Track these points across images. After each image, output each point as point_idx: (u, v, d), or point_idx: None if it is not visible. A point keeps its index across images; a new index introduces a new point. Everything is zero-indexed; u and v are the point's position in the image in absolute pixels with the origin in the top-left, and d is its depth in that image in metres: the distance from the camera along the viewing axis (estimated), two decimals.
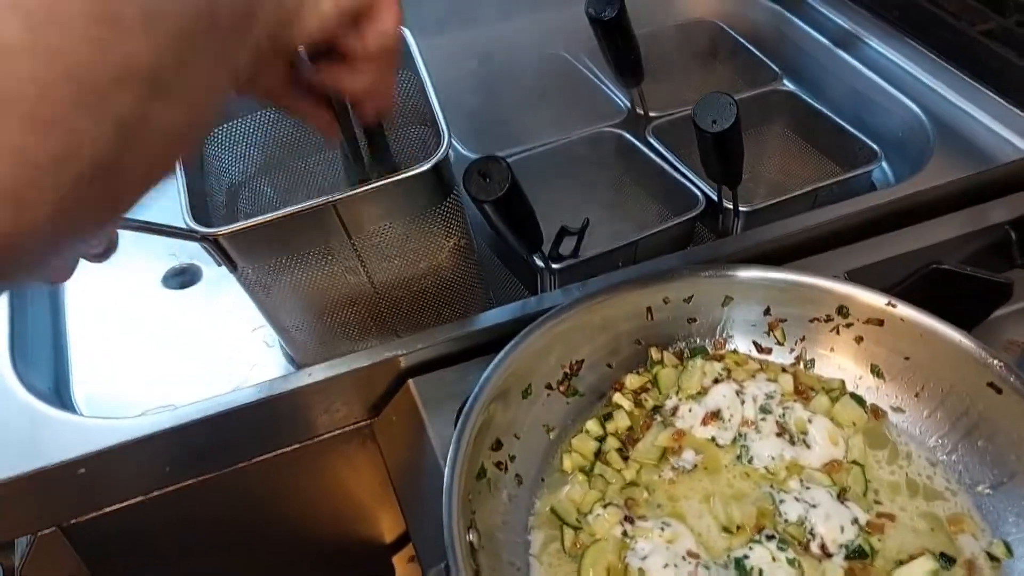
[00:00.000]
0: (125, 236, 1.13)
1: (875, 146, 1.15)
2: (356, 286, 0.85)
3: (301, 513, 1.03)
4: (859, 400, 0.78)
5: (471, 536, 0.64)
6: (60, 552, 0.88)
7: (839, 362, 0.81)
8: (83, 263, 0.59)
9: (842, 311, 0.79)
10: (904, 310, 0.76)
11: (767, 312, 0.82)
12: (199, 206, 0.78)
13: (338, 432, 0.95)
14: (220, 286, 1.08)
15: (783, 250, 1.01)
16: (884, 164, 1.22)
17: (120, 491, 0.87)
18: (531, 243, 0.88)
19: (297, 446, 0.93)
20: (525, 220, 0.84)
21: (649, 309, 0.81)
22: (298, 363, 0.98)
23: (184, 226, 0.73)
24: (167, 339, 1.03)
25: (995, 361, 0.72)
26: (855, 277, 0.96)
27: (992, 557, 0.68)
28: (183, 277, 1.11)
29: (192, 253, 1.13)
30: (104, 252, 0.61)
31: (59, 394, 0.94)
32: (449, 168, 0.77)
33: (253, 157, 0.94)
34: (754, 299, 0.82)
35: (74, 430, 0.83)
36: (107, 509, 0.87)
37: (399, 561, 1.12)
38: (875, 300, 0.78)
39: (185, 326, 1.05)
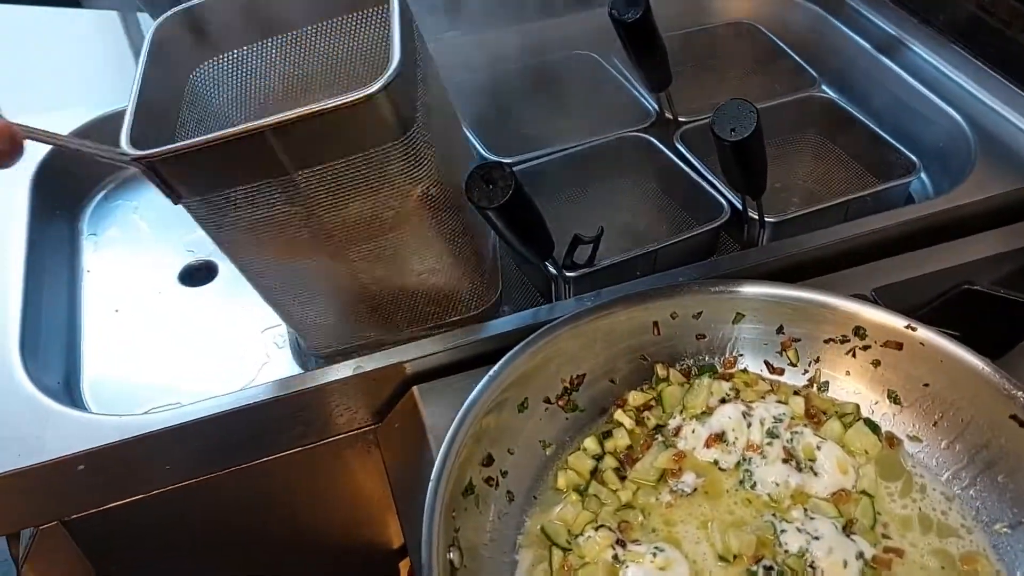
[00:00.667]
0: (144, 231, 1.13)
1: (913, 157, 1.10)
2: (311, 232, 0.77)
3: (304, 515, 1.02)
4: (874, 427, 0.75)
5: (452, 555, 0.63)
6: (62, 546, 0.89)
7: (854, 386, 0.77)
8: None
9: (859, 332, 0.76)
10: (924, 333, 0.73)
11: (780, 331, 0.79)
12: (149, 131, 0.72)
13: (343, 436, 0.94)
14: (235, 285, 1.08)
15: (809, 263, 0.97)
16: (924, 176, 1.17)
17: (121, 488, 0.87)
18: (540, 251, 0.86)
19: (300, 448, 0.93)
20: (532, 227, 0.82)
21: (656, 324, 0.79)
22: (280, 315, 0.93)
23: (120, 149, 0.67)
24: (180, 336, 1.04)
25: (1020, 393, 0.68)
26: (883, 295, 0.92)
27: None
28: (200, 274, 1.11)
29: (210, 251, 1.13)
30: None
31: (69, 389, 0.95)
32: (407, 99, 0.70)
33: (251, 99, 0.87)
34: (766, 317, 0.79)
35: (76, 426, 0.84)
36: (108, 505, 0.87)
37: (405, 567, 1.11)
38: (894, 322, 0.74)
39: (199, 324, 1.05)
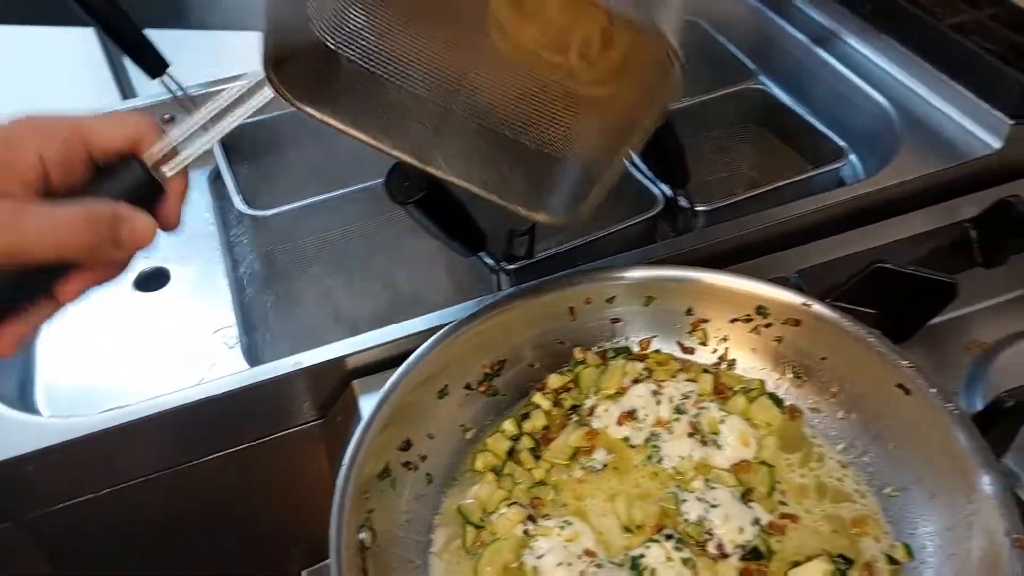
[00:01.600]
0: None
1: (842, 143, 1.14)
2: None
3: (257, 510, 1.06)
4: (777, 400, 0.78)
5: (362, 534, 0.66)
6: (19, 546, 0.93)
7: (760, 363, 0.81)
8: None
9: (761, 311, 0.80)
10: (819, 310, 0.76)
11: (689, 312, 0.83)
12: None
13: (289, 431, 0.97)
14: (188, 289, 1.12)
15: (740, 248, 1.01)
16: (855, 160, 1.21)
17: (74, 487, 0.91)
18: (469, 244, 0.90)
19: (249, 444, 0.96)
20: (456, 220, 0.85)
21: (572, 309, 0.82)
22: None
23: None
24: (134, 340, 1.07)
25: (904, 362, 0.71)
26: (808, 276, 0.95)
27: (892, 560, 0.67)
28: (154, 280, 1.15)
29: (164, 256, 1.17)
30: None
31: (23, 394, 0.99)
32: None
33: None
34: (676, 300, 0.82)
35: (26, 429, 0.87)
36: (60, 505, 0.91)
37: None
38: (792, 300, 0.78)
39: (152, 327, 1.09)
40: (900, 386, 0.71)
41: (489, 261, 0.97)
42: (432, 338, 0.77)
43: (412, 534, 0.71)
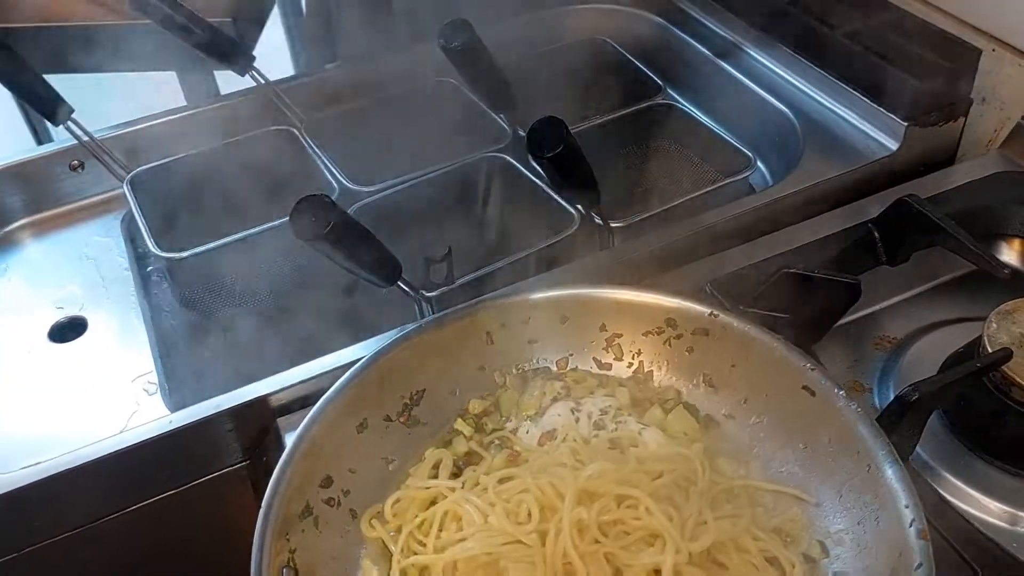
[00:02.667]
0: (11, 292, 1.14)
1: (749, 152, 1.18)
2: None
3: (189, 555, 1.04)
4: (692, 410, 0.80)
5: (285, 574, 0.66)
6: None
7: (674, 373, 0.83)
8: None
9: (671, 323, 0.82)
10: (725, 319, 0.79)
11: (603, 328, 0.84)
12: None
13: (217, 474, 0.96)
14: (105, 338, 1.10)
15: (656, 262, 1.03)
16: (763, 168, 1.25)
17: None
18: (383, 276, 0.90)
19: (176, 490, 0.95)
20: (367, 254, 0.86)
21: (488, 334, 0.83)
22: None
23: None
24: (51, 392, 1.05)
25: (807, 364, 0.73)
26: (722, 285, 0.98)
27: (808, 558, 0.69)
28: (69, 330, 1.13)
29: (80, 304, 1.15)
30: None
31: None
32: None
33: None
34: (589, 317, 0.84)
35: None
36: None
37: None
38: (699, 311, 0.80)
39: (69, 379, 1.07)
40: (806, 388, 0.74)
41: (408, 290, 0.98)
42: (347, 374, 0.77)
43: (339, 571, 0.71)
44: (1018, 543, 0.77)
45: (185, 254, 1.07)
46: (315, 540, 0.71)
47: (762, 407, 0.78)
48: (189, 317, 1.14)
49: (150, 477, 0.93)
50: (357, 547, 0.74)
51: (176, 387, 1.07)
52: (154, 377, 1.05)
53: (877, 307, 1.05)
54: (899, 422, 0.80)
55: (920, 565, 0.60)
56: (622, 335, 0.84)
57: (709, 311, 0.79)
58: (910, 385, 0.81)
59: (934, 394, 0.81)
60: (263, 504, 0.67)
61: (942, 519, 0.76)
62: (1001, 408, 0.86)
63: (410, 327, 0.82)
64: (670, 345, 0.82)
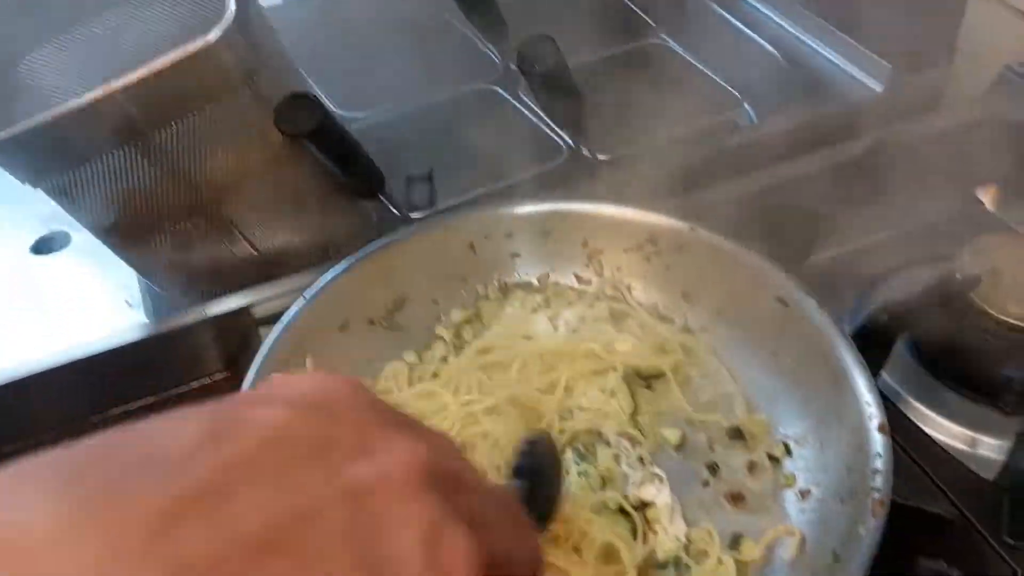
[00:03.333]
0: None
1: (736, 92, 1.20)
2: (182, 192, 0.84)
3: None
4: (668, 321, 0.83)
5: None
6: None
7: (653, 289, 0.86)
8: None
9: (652, 239, 0.84)
10: (703, 233, 0.82)
11: (585, 244, 0.86)
12: None
13: (196, 385, 0.98)
14: (87, 250, 1.12)
15: (639, 194, 1.05)
16: (749, 109, 1.27)
17: None
18: (366, 183, 0.92)
19: (154, 399, 0.97)
20: (350, 157, 0.87)
21: (472, 245, 0.85)
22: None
23: None
24: (31, 304, 1.06)
25: (781, 275, 0.76)
26: (701, 219, 1.00)
27: (772, 457, 0.73)
28: (52, 244, 1.14)
29: (66, 219, 1.16)
30: None
31: None
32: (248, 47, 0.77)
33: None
34: (572, 232, 0.86)
35: None
36: None
37: None
38: (679, 226, 0.83)
39: (51, 291, 1.08)
40: (779, 299, 0.76)
41: (391, 208, 1.00)
42: (330, 272, 0.79)
43: None
44: (977, 463, 0.80)
45: None
46: None
47: (736, 319, 0.81)
48: None
49: (128, 384, 0.94)
50: None
51: (157, 302, 1.09)
52: (136, 291, 1.07)
53: (855, 246, 1.08)
54: (868, 344, 0.83)
55: (878, 455, 0.63)
56: (603, 251, 0.86)
57: (689, 226, 0.82)
58: (879, 307, 0.84)
59: (903, 317, 0.85)
60: (242, 388, 0.69)
61: (909, 441, 0.79)
62: (967, 335, 0.89)
63: (395, 234, 0.84)
64: (649, 261, 0.85)
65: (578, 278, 0.88)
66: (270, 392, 0.32)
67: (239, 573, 0.25)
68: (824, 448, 0.70)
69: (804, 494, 0.70)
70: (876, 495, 0.61)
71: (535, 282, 0.88)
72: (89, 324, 1.03)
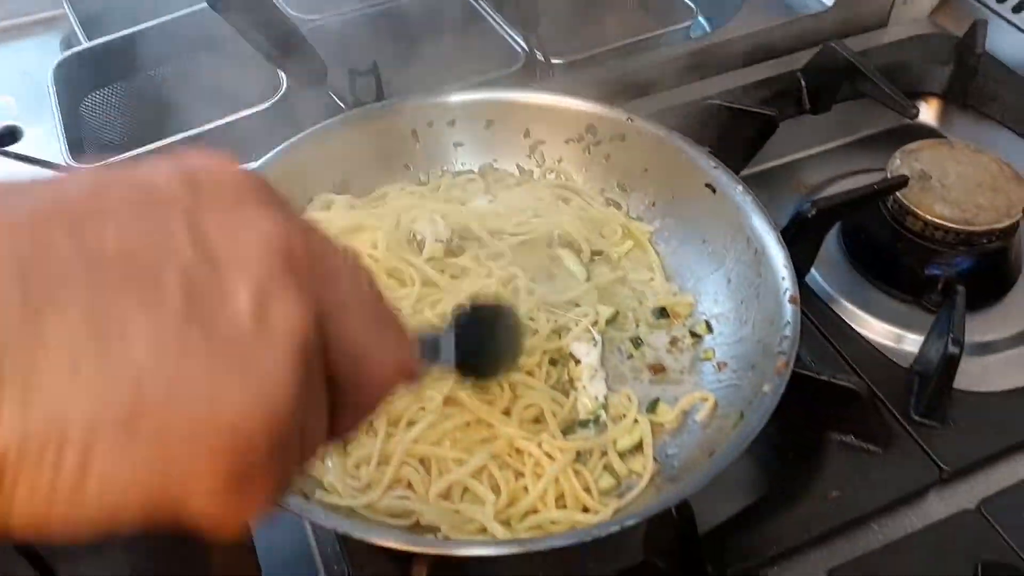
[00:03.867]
0: None
1: (691, 4, 1.22)
2: None
3: None
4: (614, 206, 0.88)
5: None
6: None
7: (592, 179, 0.89)
8: None
9: (591, 129, 0.87)
10: (641, 123, 0.85)
11: (527, 135, 0.89)
12: None
13: None
14: (38, 145, 1.13)
15: (591, 98, 1.07)
16: (704, 22, 1.29)
17: None
18: (306, 74, 0.94)
19: None
20: (295, 45, 0.90)
21: (414, 132, 0.88)
22: None
23: None
24: None
25: (711, 163, 0.80)
26: (650, 118, 1.02)
27: (694, 334, 0.77)
28: (5, 137, 1.15)
29: (15, 114, 1.17)
30: None
31: None
32: None
33: None
34: (513, 122, 0.89)
35: None
36: None
37: None
38: (617, 116, 0.86)
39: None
40: (708, 185, 0.80)
41: (337, 101, 1.00)
42: (271, 153, 0.81)
43: None
44: (901, 358, 0.84)
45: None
46: None
47: (668, 207, 0.85)
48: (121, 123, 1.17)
49: None
50: None
51: None
52: None
53: (798, 155, 1.12)
54: (798, 236, 0.87)
55: (787, 323, 0.67)
56: (545, 142, 0.89)
57: (627, 116, 0.85)
58: (809, 203, 0.88)
59: (831, 209, 0.88)
60: None
61: (835, 335, 0.84)
62: (894, 236, 0.93)
63: (336, 117, 0.85)
64: (589, 152, 0.88)
65: (520, 169, 0.90)
66: (173, 157, 0.31)
67: (83, 282, 0.26)
68: (743, 325, 0.75)
69: (721, 366, 0.74)
70: (782, 357, 0.65)
71: (476, 171, 0.90)
72: None
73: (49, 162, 0.97)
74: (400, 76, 1.11)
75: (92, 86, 1.16)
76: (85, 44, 1.15)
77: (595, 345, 0.73)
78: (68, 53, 1.15)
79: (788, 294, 0.69)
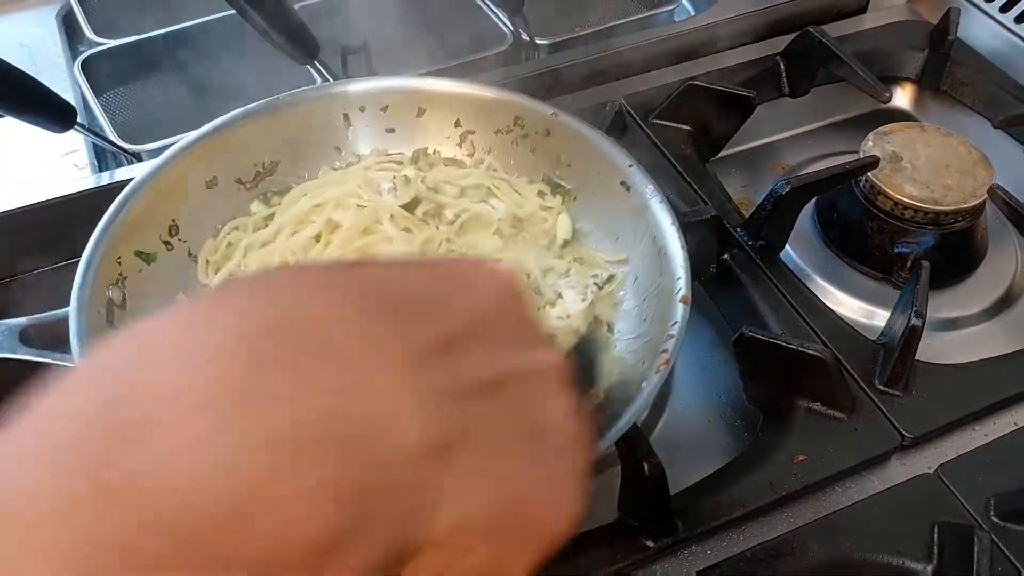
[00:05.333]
0: None
1: None
2: None
3: None
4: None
5: (111, 292, 0.72)
6: None
7: (518, 172, 0.89)
8: None
9: (519, 122, 0.87)
10: (565, 119, 0.85)
11: (457, 124, 0.89)
12: None
13: None
14: None
15: (575, 81, 1.09)
16: (688, 6, 1.30)
17: None
18: (302, 48, 0.96)
19: None
20: (286, 20, 0.92)
21: (346, 116, 0.88)
22: None
23: None
24: None
25: (627, 162, 0.81)
26: (632, 99, 1.05)
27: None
28: None
29: None
30: None
31: None
32: None
33: None
34: (445, 111, 0.89)
35: None
36: None
37: None
38: (543, 110, 0.86)
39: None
40: (623, 183, 0.80)
41: (327, 76, 1.02)
42: (198, 131, 0.81)
43: (171, 295, 0.77)
44: (868, 331, 0.84)
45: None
46: (150, 274, 0.76)
47: (587, 203, 0.85)
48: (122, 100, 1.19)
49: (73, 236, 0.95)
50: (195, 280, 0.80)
51: (107, 165, 1.11)
52: (84, 155, 1.08)
53: (776, 137, 1.12)
54: (773, 213, 0.88)
55: (675, 322, 0.68)
56: (475, 132, 0.89)
57: (552, 111, 0.85)
58: (783, 180, 0.87)
59: (805, 188, 0.89)
60: (101, 223, 0.73)
61: (808, 309, 0.84)
62: (866, 214, 0.92)
63: (268, 100, 0.86)
64: (516, 144, 0.88)
65: (451, 159, 0.90)
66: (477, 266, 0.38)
67: (471, 410, 0.32)
68: (642, 322, 0.76)
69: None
70: (664, 355, 0.66)
71: (409, 155, 0.90)
72: (39, 186, 1.01)
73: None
74: (388, 55, 1.12)
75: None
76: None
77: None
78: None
79: (681, 294, 0.70)
